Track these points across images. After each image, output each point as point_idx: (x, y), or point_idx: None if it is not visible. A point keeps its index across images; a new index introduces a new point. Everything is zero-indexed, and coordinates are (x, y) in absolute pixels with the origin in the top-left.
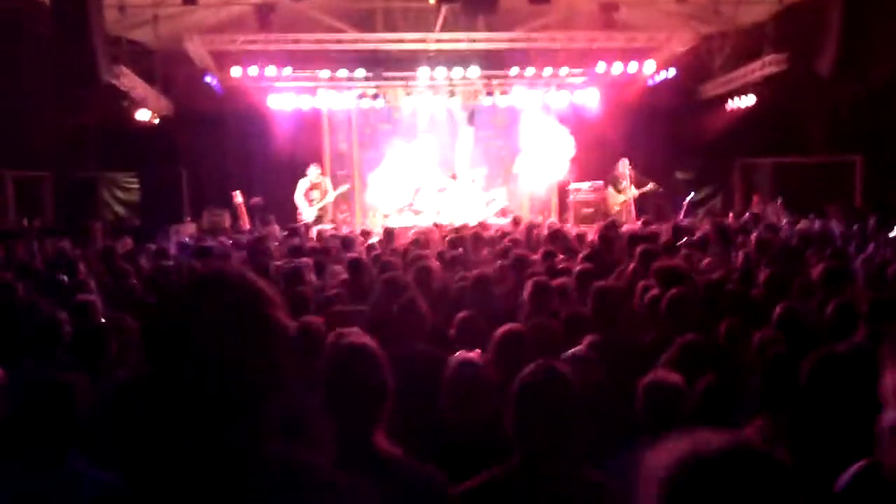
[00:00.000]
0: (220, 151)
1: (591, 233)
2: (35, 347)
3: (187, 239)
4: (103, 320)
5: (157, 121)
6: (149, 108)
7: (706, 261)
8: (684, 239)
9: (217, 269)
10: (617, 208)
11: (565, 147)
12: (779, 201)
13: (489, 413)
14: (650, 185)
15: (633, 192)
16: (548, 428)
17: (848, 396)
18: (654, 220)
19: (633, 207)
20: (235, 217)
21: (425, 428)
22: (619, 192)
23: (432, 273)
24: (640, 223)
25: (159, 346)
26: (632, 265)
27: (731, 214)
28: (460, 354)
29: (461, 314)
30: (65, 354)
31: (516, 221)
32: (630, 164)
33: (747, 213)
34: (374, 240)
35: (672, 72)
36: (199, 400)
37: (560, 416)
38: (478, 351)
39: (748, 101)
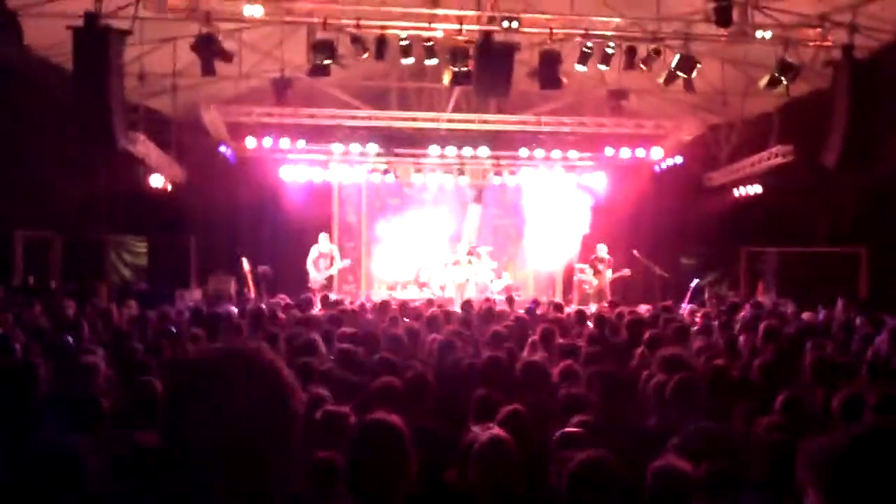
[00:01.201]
0: (231, 220)
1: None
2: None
3: (191, 304)
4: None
5: (170, 187)
6: (162, 175)
7: (697, 345)
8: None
9: (239, 346)
10: (589, 290)
11: (578, 225)
12: (772, 292)
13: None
14: (625, 271)
15: (609, 275)
16: None
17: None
18: (659, 304)
19: (607, 290)
20: (242, 284)
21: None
22: (596, 274)
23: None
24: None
25: (174, 415)
26: (639, 349)
27: (734, 302)
28: (493, 432)
29: (479, 391)
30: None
31: (511, 301)
32: (608, 250)
33: (751, 302)
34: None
35: (679, 159)
36: (207, 473)
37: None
38: (497, 428)
39: (754, 189)
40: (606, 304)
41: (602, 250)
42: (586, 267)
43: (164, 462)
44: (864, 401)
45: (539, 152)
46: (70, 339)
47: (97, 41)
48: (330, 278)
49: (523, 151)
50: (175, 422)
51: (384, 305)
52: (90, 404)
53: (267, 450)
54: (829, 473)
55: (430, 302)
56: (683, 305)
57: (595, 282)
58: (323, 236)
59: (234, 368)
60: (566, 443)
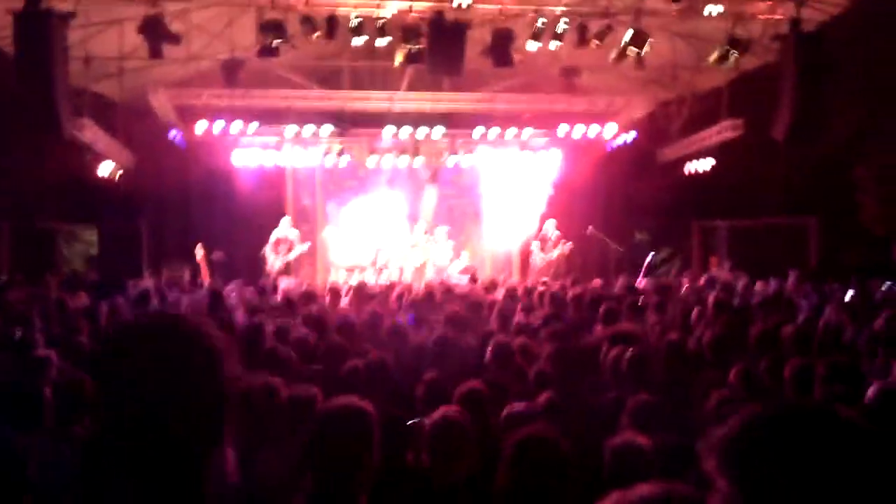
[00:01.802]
0: (183, 206)
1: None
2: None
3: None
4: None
5: (119, 174)
6: (111, 161)
7: (652, 320)
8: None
9: (161, 315)
10: (537, 266)
11: (535, 203)
12: (726, 265)
13: (470, 467)
14: (566, 246)
15: (555, 252)
16: (544, 488)
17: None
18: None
19: (559, 266)
20: (196, 272)
21: (395, 483)
22: (542, 250)
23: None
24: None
25: (104, 382)
26: (597, 325)
27: (685, 276)
28: (442, 411)
29: (428, 375)
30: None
31: (474, 279)
32: (556, 225)
33: (704, 276)
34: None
35: (632, 135)
36: (139, 449)
37: (557, 479)
38: (455, 408)
39: (706, 164)
40: (546, 280)
41: (550, 225)
42: (535, 243)
43: (95, 449)
44: (813, 371)
45: (494, 131)
46: (18, 331)
47: (40, 25)
48: (287, 263)
49: (478, 131)
50: (105, 388)
51: (334, 290)
52: (34, 399)
53: (198, 416)
54: (735, 459)
55: (390, 286)
56: (639, 280)
57: (543, 257)
58: (285, 220)
59: (162, 334)
60: (516, 421)
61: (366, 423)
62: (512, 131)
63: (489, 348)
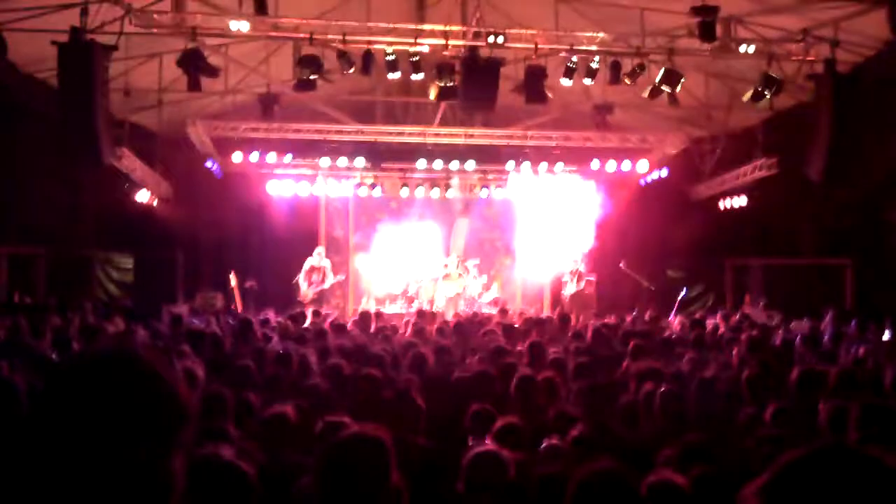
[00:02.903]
0: (217, 235)
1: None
2: None
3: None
4: None
5: (156, 202)
6: (148, 190)
7: (686, 357)
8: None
9: (118, 349)
10: (567, 299)
11: (567, 238)
12: (760, 304)
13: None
14: (590, 277)
15: (583, 284)
16: None
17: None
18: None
19: (584, 299)
20: (229, 299)
21: None
22: (575, 283)
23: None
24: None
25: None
26: (626, 361)
27: (719, 314)
28: (483, 446)
29: (475, 406)
30: None
31: (503, 311)
32: (585, 258)
33: (738, 314)
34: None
35: (664, 172)
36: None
37: None
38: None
39: (739, 202)
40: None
41: (578, 262)
42: (568, 277)
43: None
44: (849, 413)
45: (525, 165)
46: (55, 355)
47: (82, 56)
48: (320, 293)
49: (510, 165)
50: (43, 427)
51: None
52: None
53: (140, 453)
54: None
55: (420, 314)
56: (671, 317)
57: (573, 290)
58: (318, 250)
59: (110, 372)
60: (552, 456)
61: (380, 451)
62: (544, 166)
63: (513, 381)
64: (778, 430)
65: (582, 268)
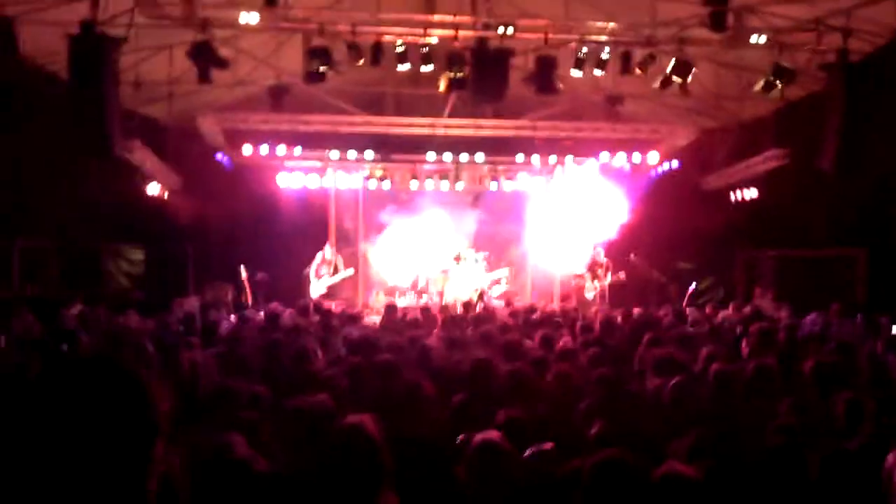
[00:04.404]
0: (228, 227)
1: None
2: None
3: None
4: None
5: (166, 195)
6: (159, 183)
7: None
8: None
9: (98, 356)
10: (590, 295)
11: (579, 231)
12: (769, 296)
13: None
14: (620, 275)
15: (608, 279)
16: None
17: (856, 493)
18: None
19: (606, 294)
20: (240, 292)
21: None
22: (595, 279)
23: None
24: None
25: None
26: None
27: (731, 306)
28: (484, 436)
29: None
30: None
31: (509, 304)
32: (604, 253)
33: (748, 306)
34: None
35: (675, 163)
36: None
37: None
38: (496, 433)
39: (750, 193)
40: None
41: (600, 254)
42: (586, 272)
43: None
44: (864, 406)
45: (535, 157)
46: (65, 347)
47: (93, 49)
48: (331, 286)
49: (520, 157)
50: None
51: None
52: None
53: (118, 460)
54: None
55: (427, 308)
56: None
57: (596, 286)
58: (328, 245)
59: (89, 379)
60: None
61: (369, 440)
62: (554, 157)
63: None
64: (792, 422)
65: (603, 261)
